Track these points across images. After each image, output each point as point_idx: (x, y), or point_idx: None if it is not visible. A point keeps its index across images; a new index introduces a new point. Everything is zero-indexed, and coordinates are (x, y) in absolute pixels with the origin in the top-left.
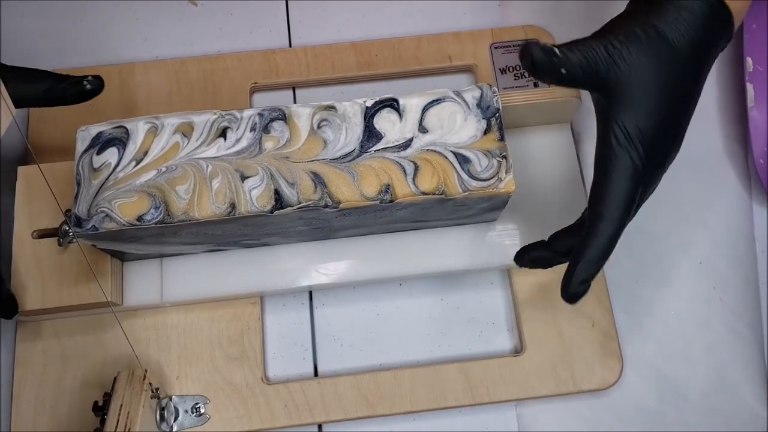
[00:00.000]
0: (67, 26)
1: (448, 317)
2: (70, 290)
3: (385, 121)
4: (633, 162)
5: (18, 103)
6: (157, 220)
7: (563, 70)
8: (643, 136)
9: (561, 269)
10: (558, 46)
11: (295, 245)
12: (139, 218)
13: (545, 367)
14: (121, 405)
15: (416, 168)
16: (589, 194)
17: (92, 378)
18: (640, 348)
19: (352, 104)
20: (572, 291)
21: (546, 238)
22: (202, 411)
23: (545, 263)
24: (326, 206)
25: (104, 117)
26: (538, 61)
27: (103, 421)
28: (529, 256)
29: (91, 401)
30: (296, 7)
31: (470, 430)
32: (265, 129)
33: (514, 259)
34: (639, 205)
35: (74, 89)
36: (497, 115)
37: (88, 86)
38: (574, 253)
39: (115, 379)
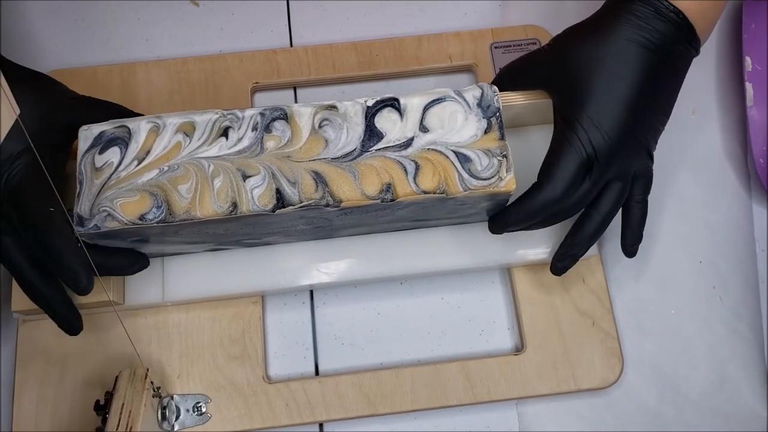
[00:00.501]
0: (68, 26)
1: (449, 316)
2: None
3: (386, 120)
4: (582, 153)
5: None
6: (159, 219)
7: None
8: (594, 125)
9: (563, 275)
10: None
11: (296, 244)
12: (141, 217)
13: (546, 366)
14: (123, 404)
15: (417, 167)
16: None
17: (94, 377)
18: (641, 347)
19: (353, 104)
20: (497, 225)
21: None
22: (204, 410)
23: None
24: (327, 205)
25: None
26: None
27: (104, 420)
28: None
29: (93, 400)
30: (297, 7)
31: (471, 428)
32: (267, 128)
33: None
34: (621, 201)
35: None
36: (498, 114)
37: None
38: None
39: (116, 378)
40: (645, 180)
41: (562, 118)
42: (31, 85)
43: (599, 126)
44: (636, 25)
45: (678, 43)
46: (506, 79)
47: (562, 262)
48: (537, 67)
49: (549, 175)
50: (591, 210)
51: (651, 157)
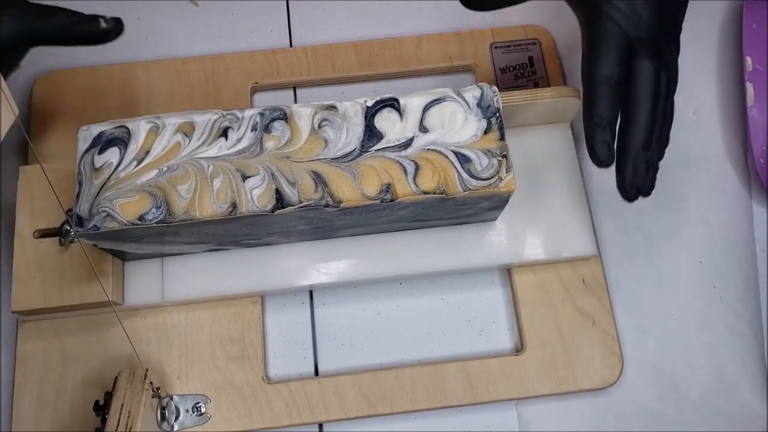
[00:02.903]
0: None
1: (449, 316)
2: (71, 290)
3: (385, 120)
4: (622, 35)
5: (33, 42)
6: (159, 219)
7: None
8: (629, 10)
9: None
10: None
11: (295, 245)
12: (141, 218)
13: (546, 366)
14: (122, 404)
15: (417, 167)
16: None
17: (93, 377)
18: (641, 347)
19: (352, 104)
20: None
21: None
22: (203, 410)
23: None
24: (327, 206)
25: (106, 117)
26: None
27: (104, 421)
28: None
29: (92, 401)
30: (297, 7)
31: (471, 429)
32: (266, 129)
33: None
34: (662, 96)
35: (89, 27)
36: (497, 114)
37: (104, 25)
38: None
39: (116, 378)
40: (674, 78)
41: (590, 8)
42: None
43: (636, 11)
44: None
45: None
46: None
47: (643, 175)
48: None
49: (596, 54)
50: (637, 93)
51: (678, 51)
